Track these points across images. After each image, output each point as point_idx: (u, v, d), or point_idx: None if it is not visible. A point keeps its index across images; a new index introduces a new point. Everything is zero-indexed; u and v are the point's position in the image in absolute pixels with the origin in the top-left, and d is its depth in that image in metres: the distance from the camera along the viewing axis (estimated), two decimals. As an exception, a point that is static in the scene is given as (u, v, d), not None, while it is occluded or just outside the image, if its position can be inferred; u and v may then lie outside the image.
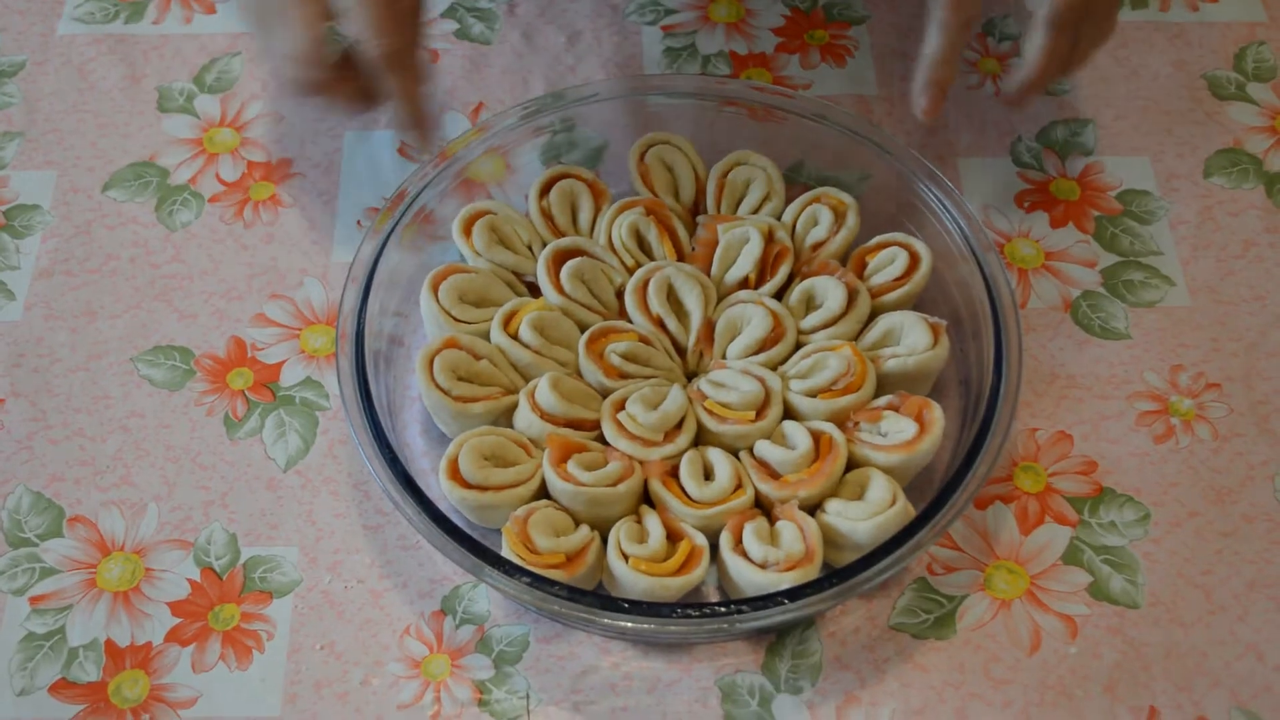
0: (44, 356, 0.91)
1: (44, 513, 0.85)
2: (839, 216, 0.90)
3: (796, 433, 0.81)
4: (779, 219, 0.91)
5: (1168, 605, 0.81)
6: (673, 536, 0.79)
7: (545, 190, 0.92)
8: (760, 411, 0.83)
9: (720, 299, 0.88)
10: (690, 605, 0.74)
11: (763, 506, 0.81)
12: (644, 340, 0.86)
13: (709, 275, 0.89)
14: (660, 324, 0.87)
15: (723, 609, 0.74)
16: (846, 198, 0.91)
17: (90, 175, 0.99)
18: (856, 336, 0.87)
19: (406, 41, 0.83)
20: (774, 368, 0.85)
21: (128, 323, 0.92)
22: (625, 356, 0.85)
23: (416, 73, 0.85)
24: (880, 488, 0.79)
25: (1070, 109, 1.02)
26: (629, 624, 0.74)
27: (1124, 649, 0.79)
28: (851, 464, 0.81)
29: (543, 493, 0.81)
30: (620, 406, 0.83)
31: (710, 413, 0.83)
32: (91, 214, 0.97)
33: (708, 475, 0.82)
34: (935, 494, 0.79)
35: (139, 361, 0.90)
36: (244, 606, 0.81)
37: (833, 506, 0.79)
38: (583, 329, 0.86)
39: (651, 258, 0.90)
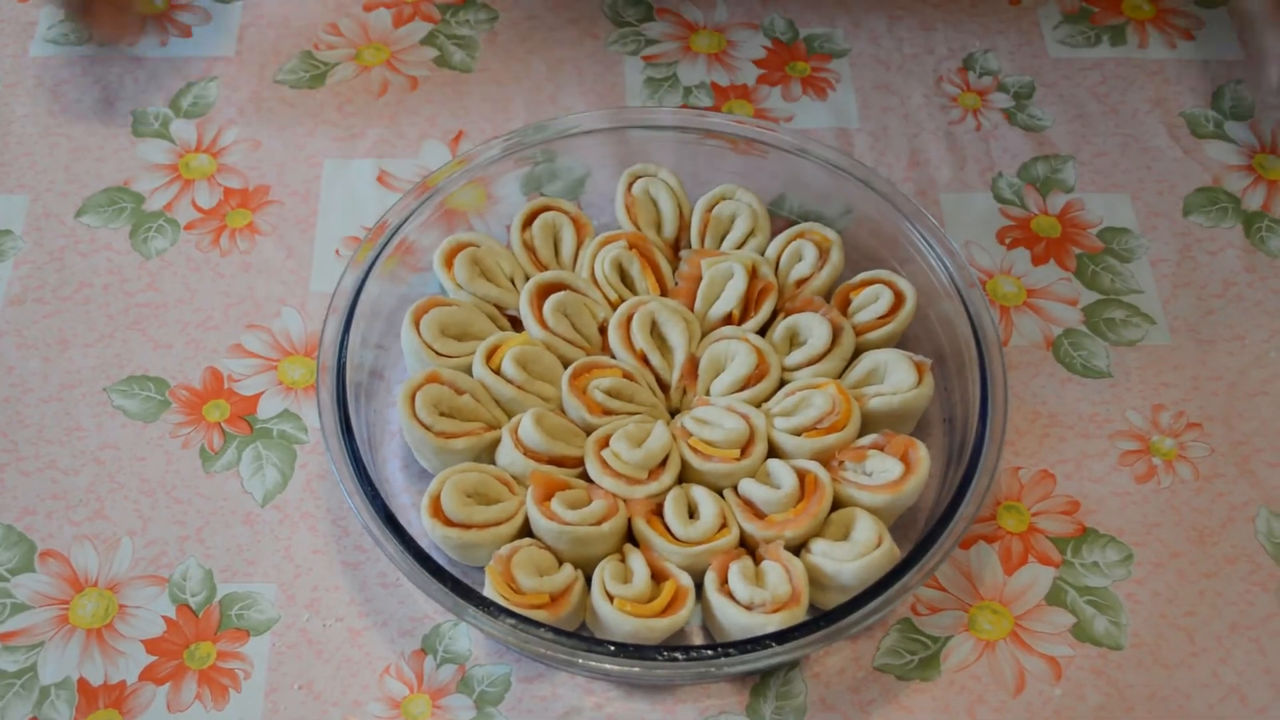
0: (15, 386, 0.89)
1: (14, 547, 0.83)
2: (823, 253, 0.90)
3: (781, 472, 0.81)
4: (763, 254, 0.91)
5: (1151, 647, 0.81)
6: (657, 576, 0.79)
7: (528, 222, 0.91)
8: (744, 449, 0.82)
9: (703, 335, 0.88)
10: (677, 648, 0.74)
11: (747, 546, 0.81)
12: (627, 376, 0.85)
13: (692, 310, 0.88)
14: (644, 359, 0.86)
15: (710, 652, 0.73)
16: (831, 234, 0.91)
17: (63, 200, 0.97)
18: (840, 374, 0.86)
19: None
20: (758, 405, 0.85)
21: (101, 352, 0.90)
22: (609, 392, 0.84)
23: None
24: (866, 528, 0.79)
25: (1050, 146, 1.03)
26: (614, 666, 0.74)
27: (1108, 690, 0.79)
28: (836, 504, 0.81)
29: (526, 531, 0.80)
30: (604, 443, 0.82)
31: (694, 450, 0.82)
32: (64, 240, 0.96)
33: (692, 514, 0.81)
34: (921, 534, 0.79)
35: (113, 392, 0.89)
36: (220, 644, 0.80)
37: (818, 547, 0.79)
38: (565, 364, 0.86)
39: (634, 292, 0.89)
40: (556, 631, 0.74)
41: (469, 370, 0.84)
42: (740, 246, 0.91)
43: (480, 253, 0.89)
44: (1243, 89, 1.06)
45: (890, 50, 1.08)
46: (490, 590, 0.76)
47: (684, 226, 0.92)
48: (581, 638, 0.75)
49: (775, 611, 0.75)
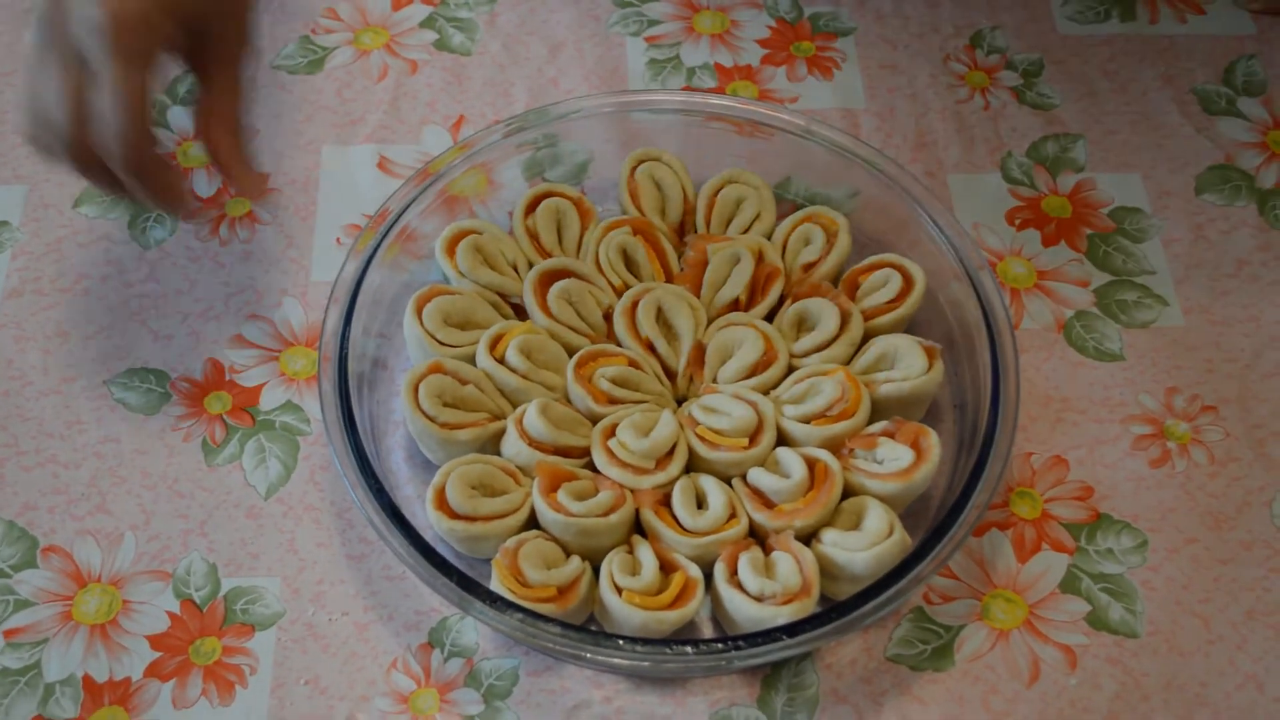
0: (14, 380, 0.88)
1: (16, 543, 0.82)
2: (830, 236, 0.89)
3: (791, 460, 0.80)
4: (769, 238, 0.90)
5: (1167, 635, 0.80)
6: (666, 568, 0.78)
7: (530, 208, 0.90)
8: (753, 438, 0.81)
9: (710, 321, 0.87)
10: (687, 642, 0.73)
11: (757, 536, 0.80)
12: (633, 364, 0.84)
13: (698, 296, 0.87)
14: (650, 347, 0.85)
15: (720, 645, 0.72)
16: (838, 217, 0.89)
17: (61, 190, 0.96)
18: (849, 360, 0.85)
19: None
20: (766, 392, 0.84)
21: (101, 344, 0.89)
22: (615, 381, 0.83)
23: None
24: (877, 517, 0.78)
25: (1060, 124, 1.01)
26: (624, 660, 0.73)
27: (1124, 679, 0.78)
28: (847, 492, 0.80)
29: (532, 523, 0.79)
30: (610, 433, 0.81)
31: (702, 439, 0.81)
32: (63, 230, 0.94)
33: (700, 504, 0.80)
34: (934, 523, 0.78)
35: (113, 385, 0.88)
36: (225, 640, 0.79)
37: (829, 536, 0.78)
38: (570, 352, 0.84)
39: (639, 278, 0.88)
40: (564, 626, 0.73)
41: (473, 360, 0.83)
42: (746, 231, 0.90)
43: (483, 240, 0.87)
44: (1255, 64, 1.05)
45: (896, 28, 1.06)
46: (497, 584, 0.75)
47: (689, 211, 0.91)
48: (590, 631, 0.74)
49: (786, 603, 0.74)
